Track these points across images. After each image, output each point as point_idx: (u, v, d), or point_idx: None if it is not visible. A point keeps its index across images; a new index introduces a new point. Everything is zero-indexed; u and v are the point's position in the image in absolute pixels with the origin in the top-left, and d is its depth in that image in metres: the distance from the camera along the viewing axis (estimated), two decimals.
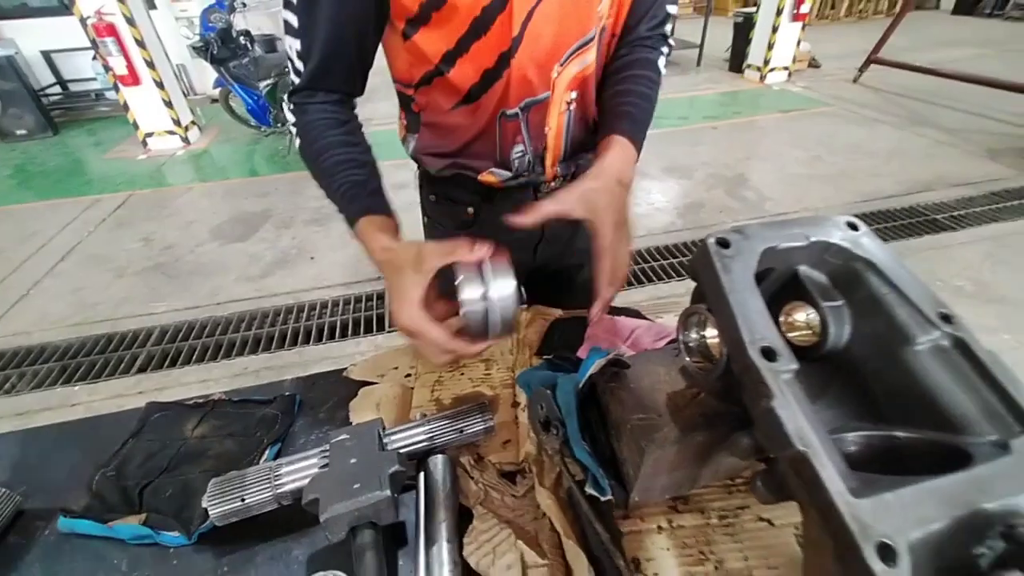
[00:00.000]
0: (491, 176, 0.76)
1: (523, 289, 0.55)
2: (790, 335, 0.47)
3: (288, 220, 3.25)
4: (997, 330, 2.13)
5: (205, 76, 5.08)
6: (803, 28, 5.21)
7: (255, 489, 0.50)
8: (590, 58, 0.67)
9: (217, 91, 4.17)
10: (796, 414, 0.34)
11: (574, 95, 0.70)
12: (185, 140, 4.43)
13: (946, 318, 0.40)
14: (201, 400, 0.68)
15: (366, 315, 2.36)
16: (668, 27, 0.73)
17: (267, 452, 0.60)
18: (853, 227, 0.45)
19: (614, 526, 0.50)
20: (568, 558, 0.46)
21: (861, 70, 5.16)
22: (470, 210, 0.84)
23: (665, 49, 0.74)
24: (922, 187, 3.21)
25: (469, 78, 0.65)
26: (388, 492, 0.45)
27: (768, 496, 0.41)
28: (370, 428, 0.54)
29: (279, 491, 0.50)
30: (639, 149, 0.67)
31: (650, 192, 3.35)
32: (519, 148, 0.73)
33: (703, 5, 6.20)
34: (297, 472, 0.51)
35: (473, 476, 0.55)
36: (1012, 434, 0.35)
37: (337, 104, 0.68)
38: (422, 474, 0.54)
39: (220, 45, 3.66)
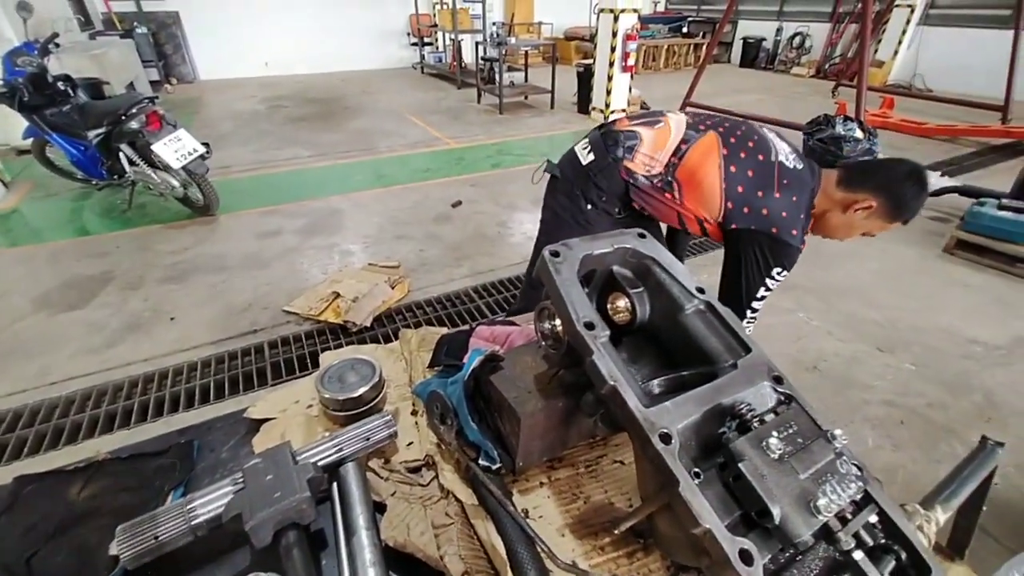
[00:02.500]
0: None
1: None
2: (615, 317, 0.64)
3: (136, 280, 2.91)
4: (794, 311, 2.71)
5: (9, 125, 4.35)
6: (632, 77, 6.15)
7: (168, 526, 0.52)
8: None
9: (29, 142, 3.61)
10: (608, 363, 0.49)
11: None
12: None
13: (700, 290, 0.60)
14: (83, 463, 0.66)
15: (244, 371, 2.21)
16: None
17: (171, 497, 0.61)
18: (642, 235, 0.64)
19: (506, 487, 0.61)
20: (470, 516, 0.56)
21: (680, 111, 6.22)
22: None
23: None
24: None
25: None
26: (308, 492, 0.52)
27: (607, 429, 0.56)
28: (281, 450, 0.59)
29: (194, 522, 0.53)
30: None
31: (522, 223, 3.65)
32: None
33: (550, 56, 7.01)
34: (212, 501, 0.54)
35: (383, 476, 0.63)
36: (738, 358, 0.54)
37: None
38: (335, 483, 0.60)
39: (31, 91, 3.20)
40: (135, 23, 7.01)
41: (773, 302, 2.88)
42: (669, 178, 1.17)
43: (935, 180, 3.90)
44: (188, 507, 0.53)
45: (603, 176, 1.25)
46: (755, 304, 1.17)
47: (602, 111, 6.20)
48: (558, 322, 0.60)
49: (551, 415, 0.61)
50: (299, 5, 8.41)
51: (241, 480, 0.56)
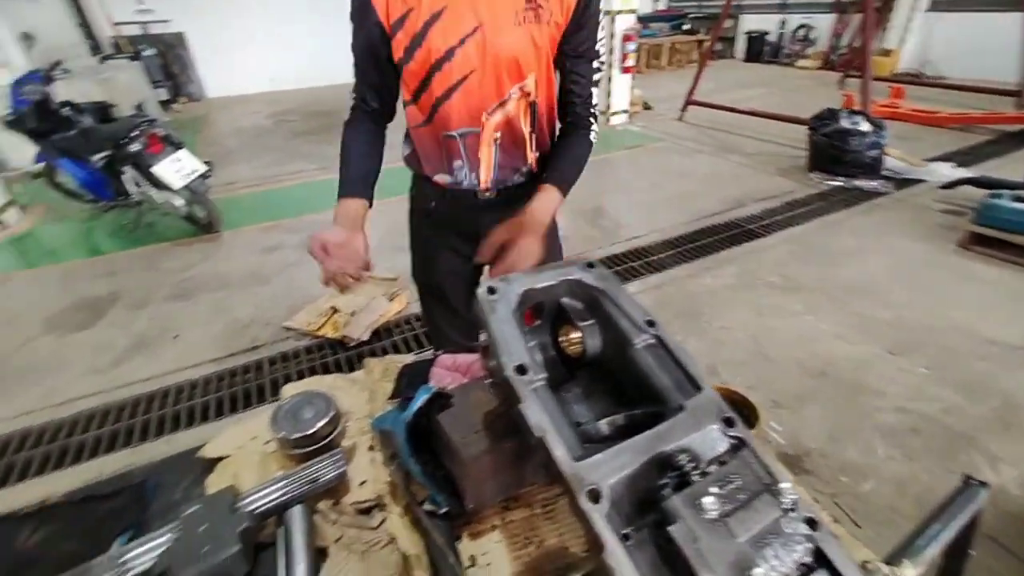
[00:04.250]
0: (441, 179, 1.07)
1: None
2: (568, 349, 0.61)
3: (143, 299, 2.96)
4: (803, 313, 2.64)
5: (22, 150, 4.47)
6: (633, 77, 6.09)
7: None
8: (510, 108, 0.97)
9: (40, 166, 3.71)
10: (538, 412, 0.46)
11: (499, 134, 1.00)
12: (0, 223, 3.84)
13: (651, 323, 0.57)
14: (35, 507, 0.65)
15: (244, 388, 2.23)
16: (592, 99, 1.04)
17: (115, 544, 0.60)
18: (590, 265, 0.61)
19: (455, 533, 0.59)
20: (411, 569, 0.54)
21: (683, 110, 6.14)
22: (432, 203, 1.14)
23: (593, 121, 1.06)
24: (736, 203, 3.89)
25: (425, 108, 0.98)
26: (238, 546, 0.50)
27: (547, 478, 0.53)
28: (222, 496, 0.58)
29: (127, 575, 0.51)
30: (565, 191, 1.00)
31: None
32: (458, 162, 1.04)
33: None
34: (147, 553, 0.53)
35: (331, 519, 0.61)
36: (688, 397, 0.51)
37: (365, 115, 1.05)
38: (282, 528, 0.59)
39: (37, 118, 3.29)
40: (143, 46, 7.17)
41: (779, 304, 2.84)
42: None
43: (947, 171, 3.76)
44: (121, 560, 0.52)
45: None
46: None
47: (604, 112, 6.14)
48: None
49: (500, 456, 0.59)
50: (301, 19, 8.51)
51: (180, 528, 0.55)
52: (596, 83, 1.04)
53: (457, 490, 0.60)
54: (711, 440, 0.48)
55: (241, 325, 2.67)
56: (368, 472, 0.68)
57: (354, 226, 0.97)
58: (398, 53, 0.93)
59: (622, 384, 0.58)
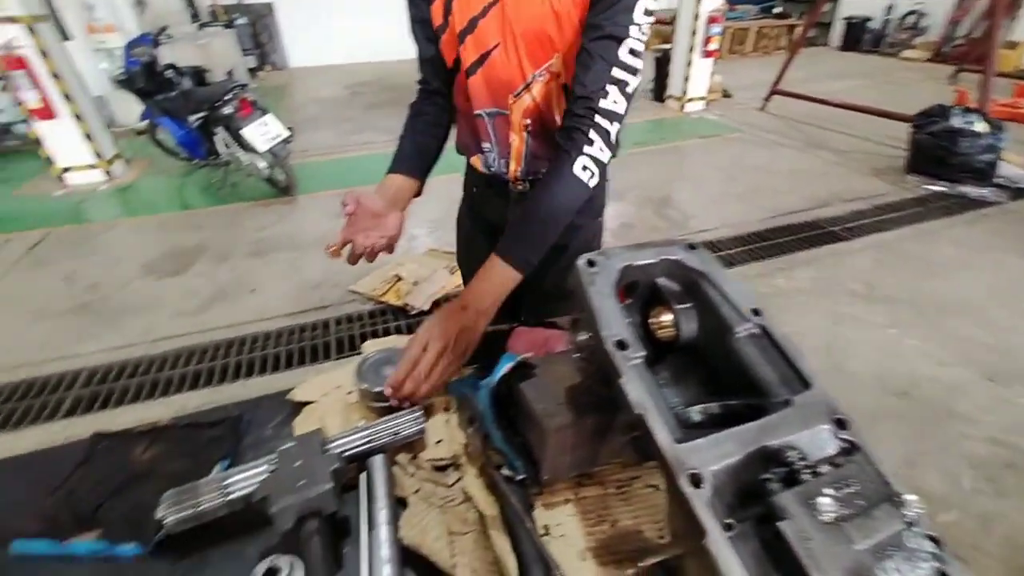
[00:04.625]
0: (477, 163, 1.02)
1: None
2: (659, 332, 0.59)
3: (225, 253, 3.18)
4: (886, 326, 2.44)
5: (130, 108, 4.88)
6: (714, 63, 5.76)
7: (207, 497, 0.55)
8: (535, 92, 0.86)
9: (144, 123, 4.04)
10: (639, 388, 0.45)
11: (529, 121, 0.89)
12: (108, 174, 4.23)
13: (756, 312, 0.54)
14: (148, 427, 0.72)
15: (311, 344, 2.36)
16: (605, 102, 0.75)
17: (217, 468, 0.65)
18: (692, 247, 0.58)
19: (527, 501, 0.59)
20: (488, 527, 0.55)
21: (766, 100, 5.75)
22: (474, 188, 1.11)
23: (596, 139, 0.76)
24: (820, 203, 3.62)
25: (459, 85, 0.91)
26: (330, 484, 0.53)
27: (636, 456, 0.52)
28: (313, 436, 0.61)
29: (230, 497, 0.56)
30: (521, 265, 0.76)
31: None
32: (487, 144, 0.96)
33: None
34: (247, 479, 0.57)
35: (409, 471, 0.63)
36: (795, 393, 0.48)
37: (427, 96, 0.99)
38: (363, 473, 0.62)
39: (145, 78, 3.57)
40: (236, 14, 7.57)
41: (860, 314, 2.64)
42: None
43: None
44: (225, 482, 0.57)
45: None
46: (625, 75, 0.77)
47: (679, 99, 5.88)
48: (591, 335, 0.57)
49: (580, 431, 0.58)
50: None
51: (275, 461, 0.58)
52: (620, 83, 0.76)
53: (533, 459, 0.61)
54: (820, 440, 0.45)
55: (311, 285, 2.81)
56: (443, 432, 0.70)
57: (394, 202, 0.92)
58: (436, 22, 0.86)
59: (716, 372, 0.56)
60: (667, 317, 0.58)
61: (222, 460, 0.67)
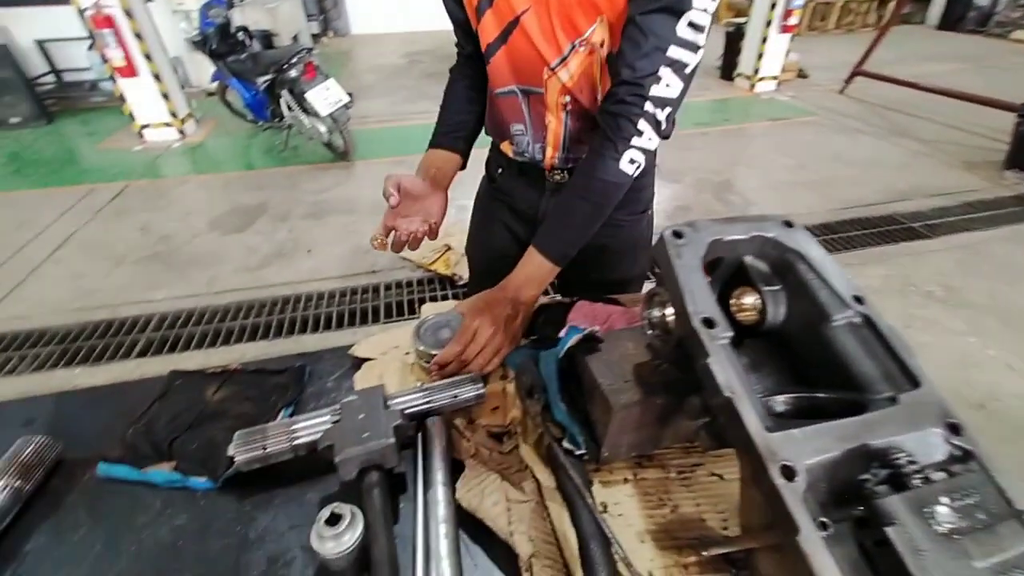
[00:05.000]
0: (507, 148, 0.92)
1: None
2: (739, 315, 0.55)
3: (284, 213, 3.30)
4: (965, 333, 2.24)
5: (202, 69, 5.09)
6: (792, 39, 5.35)
7: (275, 440, 0.57)
8: (573, 67, 0.75)
9: (215, 84, 4.20)
10: (727, 369, 0.42)
11: (568, 99, 0.79)
12: (181, 133, 4.46)
13: (859, 299, 0.49)
14: (219, 369, 0.75)
15: (361, 307, 2.42)
16: (658, 87, 0.67)
17: (282, 413, 0.68)
18: (789, 224, 0.54)
19: (586, 476, 0.58)
20: (546, 498, 0.54)
21: (847, 81, 5.31)
22: (499, 171, 1.00)
23: (648, 128, 0.69)
24: (899, 196, 3.34)
25: (487, 56, 0.81)
26: (392, 439, 0.53)
27: (711, 443, 0.49)
28: (375, 391, 0.61)
29: (296, 442, 0.57)
30: (559, 259, 0.75)
31: None
32: (519, 127, 0.86)
33: None
34: (311, 427, 0.58)
35: (465, 435, 0.63)
36: (901, 391, 0.43)
37: (465, 61, 0.91)
38: (420, 432, 0.62)
39: (218, 40, 3.69)
40: None
41: (935, 318, 2.44)
42: None
43: None
44: (292, 428, 0.58)
45: None
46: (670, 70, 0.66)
47: (748, 77, 5.52)
48: (669, 311, 0.53)
49: (647, 411, 0.55)
50: None
51: (338, 412, 0.59)
52: (677, 64, 0.65)
53: (594, 435, 0.59)
54: (929, 444, 0.40)
55: (364, 250, 2.88)
56: (499, 399, 0.69)
57: (436, 181, 0.86)
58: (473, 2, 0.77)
59: (802, 362, 0.52)
60: (750, 299, 0.54)
61: (286, 407, 0.69)
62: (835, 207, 3.25)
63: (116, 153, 4.29)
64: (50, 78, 5.41)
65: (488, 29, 0.77)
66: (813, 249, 0.52)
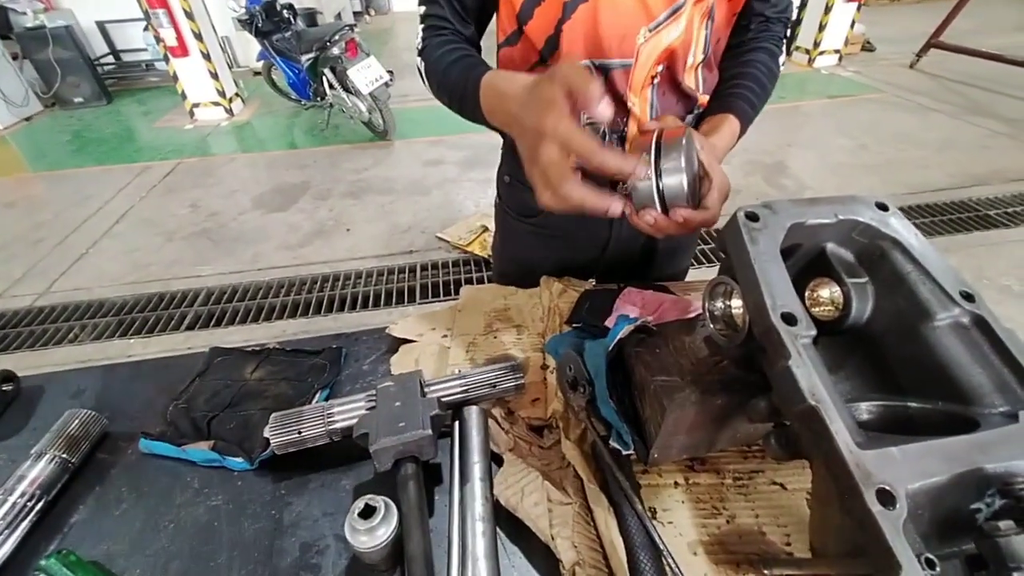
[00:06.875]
0: None
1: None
2: (813, 310, 0.49)
3: (325, 192, 3.35)
4: None
5: (248, 49, 5.19)
6: (859, 9, 4.94)
7: (310, 424, 0.56)
8: (680, 27, 0.62)
9: (260, 64, 4.28)
10: (811, 373, 0.36)
11: (661, 68, 0.65)
12: (229, 111, 4.57)
13: (968, 296, 0.42)
14: (258, 348, 0.75)
15: (398, 287, 2.44)
16: (791, 12, 0.77)
17: (318, 395, 0.66)
18: (883, 207, 0.46)
19: (634, 478, 0.54)
20: (590, 500, 0.50)
21: (919, 55, 4.88)
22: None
23: (783, 48, 0.78)
24: (975, 181, 3.06)
25: (539, 36, 0.64)
26: (429, 431, 0.51)
27: (780, 453, 0.44)
28: (412, 377, 0.59)
29: (331, 427, 0.55)
30: (744, 130, 0.72)
31: None
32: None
33: None
34: (347, 412, 0.56)
35: (504, 427, 0.60)
36: (1022, 406, 0.37)
37: (453, 35, 0.69)
38: (457, 422, 0.59)
39: (264, 18, 3.73)
40: None
41: (1012, 316, 2.22)
42: None
43: None
44: (327, 412, 0.56)
45: None
46: None
47: (808, 51, 5.15)
48: (737, 303, 0.48)
49: (704, 411, 0.50)
50: None
51: (374, 398, 0.57)
52: None
53: (642, 433, 0.54)
54: None
55: (401, 230, 2.89)
56: (540, 391, 0.65)
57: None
58: None
59: (893, 365, 0.45)
60: (829, 292, 0.48)
61: (322, 389, 0.68)
62: (900, 191, 3.01)
63: (169, 131, 4.45)
64: (110, 59, 5.65)
65: None
66: (911, 236, 0.45)
